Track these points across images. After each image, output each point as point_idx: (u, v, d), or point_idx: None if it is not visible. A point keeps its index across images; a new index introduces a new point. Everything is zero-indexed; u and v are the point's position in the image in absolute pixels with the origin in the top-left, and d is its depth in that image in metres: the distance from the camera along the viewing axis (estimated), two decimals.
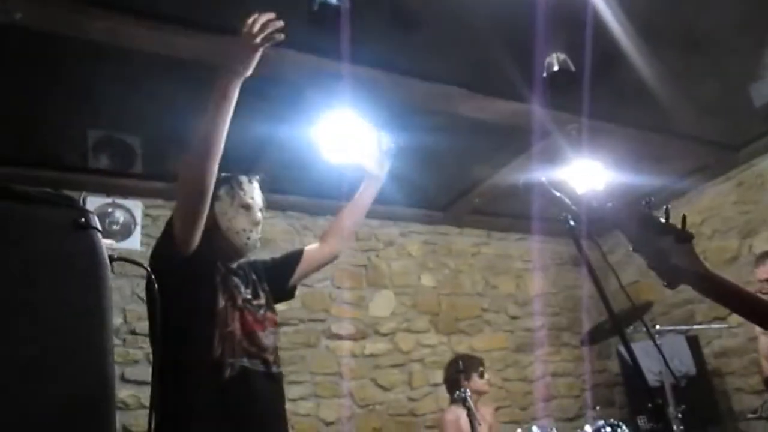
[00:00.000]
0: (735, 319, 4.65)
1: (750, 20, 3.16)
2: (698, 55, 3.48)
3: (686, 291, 4.80)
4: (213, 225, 2.02)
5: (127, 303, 3.86)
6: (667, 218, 1.26)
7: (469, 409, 2.57)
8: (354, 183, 2.37)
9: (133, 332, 3.83)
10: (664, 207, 1.28)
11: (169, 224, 1.89)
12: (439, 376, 4.32)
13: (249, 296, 2.08)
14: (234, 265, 2.12)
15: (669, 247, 1.21)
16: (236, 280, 2.08)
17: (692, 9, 3.10)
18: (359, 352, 4.55)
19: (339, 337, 4.52)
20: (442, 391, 4.07)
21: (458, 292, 5.13)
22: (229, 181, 2.11)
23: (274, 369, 2.03)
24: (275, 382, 2.04)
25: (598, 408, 4.98)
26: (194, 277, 1.90)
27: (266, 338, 2.03)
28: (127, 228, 3.79)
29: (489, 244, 5.48)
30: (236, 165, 2.13)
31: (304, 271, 2.33)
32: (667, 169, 4.66)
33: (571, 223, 1.80)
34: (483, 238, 5.47)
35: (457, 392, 2.70)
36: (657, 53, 3.39)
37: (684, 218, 1.26)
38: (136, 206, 3.86)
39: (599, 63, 3.39)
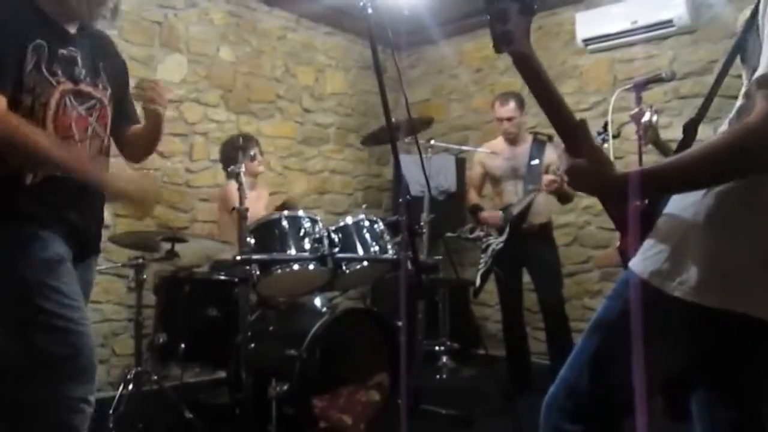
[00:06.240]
0: None
1: None
2: None
3: (467, 117, 5.11)
4: None
5: None
6: None
7: (240, 184, 2.65)
8: None
9: None
10: None
11: None
12: None
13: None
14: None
15: (511, 12, 1.20)
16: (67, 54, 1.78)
17: None
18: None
19: None
20: (221, 167, 4.05)
21: (256, 73, 4.97)
22: None
23: None
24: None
25: (365, 206, 5.40)
26: None
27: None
28: None
29: (297, 30, 5.28)
30: None
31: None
32: None
33: (369, 12, 1.75)
34: (292, 23, 5.24)
35: (231, 167, 2.75)
36: None
37: None
38: None
39: None
